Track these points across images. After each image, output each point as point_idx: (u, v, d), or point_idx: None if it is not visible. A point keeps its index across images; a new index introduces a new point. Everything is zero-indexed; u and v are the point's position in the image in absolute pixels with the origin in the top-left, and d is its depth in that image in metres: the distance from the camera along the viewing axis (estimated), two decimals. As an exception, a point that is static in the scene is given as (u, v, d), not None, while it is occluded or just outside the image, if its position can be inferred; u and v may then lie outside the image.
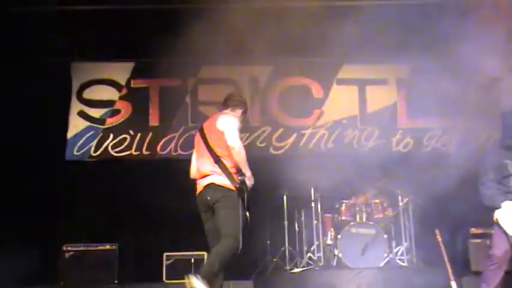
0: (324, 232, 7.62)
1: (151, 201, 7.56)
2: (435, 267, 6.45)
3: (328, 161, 7.47)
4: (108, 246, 7.07)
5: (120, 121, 8.33)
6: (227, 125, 4.98)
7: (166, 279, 6.98)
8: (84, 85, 8.38)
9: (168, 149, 8.26)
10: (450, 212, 7.01)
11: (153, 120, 8.38)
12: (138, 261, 7.27)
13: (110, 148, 8.23)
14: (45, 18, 7.19)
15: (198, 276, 4.56)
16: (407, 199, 7.58)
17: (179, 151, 8.21)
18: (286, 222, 7.65)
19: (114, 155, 8.22)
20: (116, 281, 6.83)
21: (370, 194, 7.73)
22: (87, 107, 8.34)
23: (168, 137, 8.29)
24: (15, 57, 7.60)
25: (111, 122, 8.33)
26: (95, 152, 8.21)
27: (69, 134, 8.24)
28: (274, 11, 7.00)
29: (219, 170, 4.94)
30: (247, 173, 4.94)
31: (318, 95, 8.55)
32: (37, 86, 7.66)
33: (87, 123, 8.31)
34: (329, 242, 7.52)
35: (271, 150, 8.36)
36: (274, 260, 7.57)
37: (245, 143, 7.75)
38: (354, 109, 8.54)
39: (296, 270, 7.29)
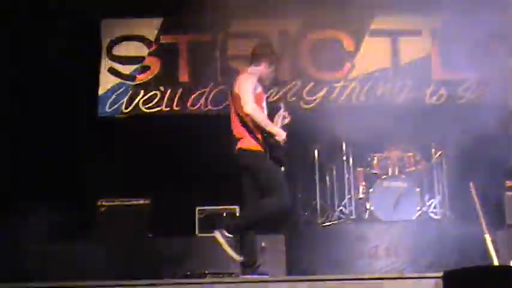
0: (356, 186, 7.60)
1: (183, 157, 7.63)
2: (469, 221, 6.37)
3: (360, 114, 7.38)
4: (141, 201, 7.16)
5: (150, 77, 8.33)
6: (240, 88, 4.91)
7: (199, 232, 7.07)
8: (113, 42, 8.38)
9: (199, 104, 8.24)
10: (484, 165, 6.89)
11: (183, 76, 8.34)
12: (171, 216, 7.35)
13: (140, 104, 8.27)
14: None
15: (225, 231, 4.64)
16: (440, 152, 7.48)
17: (209, 106, 8.18)
18: (317, 176, 7.65)
19: (145, 111, 8.26)
20: (150, 235, 6.95)
21: (403, 147, 7.65)
22: (117, 64, 8.36)
23: (198, 92, 8.25)
24: (44, 18, 7.61)
25: (141, 78, 8.33)
26: (126, 108, 8.25)
27: (101, 91, 8.28)
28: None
29: (245, 133, 4.90)
30: (273, 130, 4.87)
31: (349, 48, 8.39)
32: (68, 42, 7.68)
33: (118, 80, 8.33)
34: (361, 195, 7.51)
35: (302, 104, 8.29)
36: (306, 213, 7.61)
37: (275, 98, 7.72)
38: (386, 61, 8.37)
39: (327, 223, 7.32)
